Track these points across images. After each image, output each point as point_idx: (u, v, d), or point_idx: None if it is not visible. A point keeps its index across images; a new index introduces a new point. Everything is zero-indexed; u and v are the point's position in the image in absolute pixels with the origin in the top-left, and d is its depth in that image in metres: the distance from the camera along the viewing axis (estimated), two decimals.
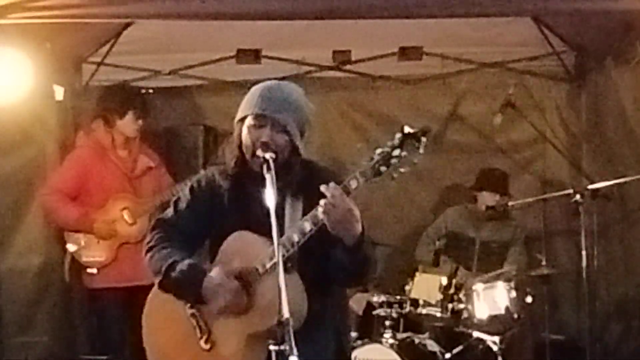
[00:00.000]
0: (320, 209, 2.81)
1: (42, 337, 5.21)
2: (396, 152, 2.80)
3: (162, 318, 3.17)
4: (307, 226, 2.86)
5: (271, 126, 2.97)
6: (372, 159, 2.82)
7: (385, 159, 2.81)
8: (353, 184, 2.82)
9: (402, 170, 2.81)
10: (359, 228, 2.84)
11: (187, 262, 3.03)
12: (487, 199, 5.79)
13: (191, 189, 3.18)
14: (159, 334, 3.17)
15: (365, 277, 3.38)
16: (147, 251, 3.15)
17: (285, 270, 2.67)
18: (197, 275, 2.99)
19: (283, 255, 2.73)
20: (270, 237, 2.74)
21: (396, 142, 2.81)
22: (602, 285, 5.77)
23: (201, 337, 3.04)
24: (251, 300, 2.95)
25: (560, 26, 5.78)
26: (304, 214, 2.93)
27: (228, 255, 3.04)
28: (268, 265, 2.89)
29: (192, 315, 3.06)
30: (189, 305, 3.07)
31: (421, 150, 2.82)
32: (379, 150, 2.83)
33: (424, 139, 2.82)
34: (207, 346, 3.02)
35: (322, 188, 2.79)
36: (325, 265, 2.95)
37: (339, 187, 2.80)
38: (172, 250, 3.09)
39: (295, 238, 2.86)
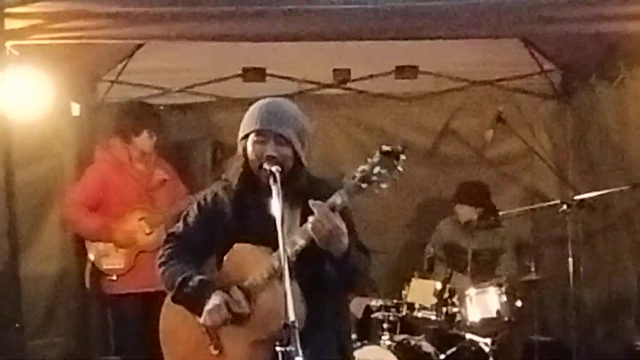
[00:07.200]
0: (309, 226, 2.89)
1: (59, 338, 5.29)
2: (376, 170, 2.84)
3: (177, 326, 3.31)
4: (298, 240, 2.94)
5: (274, 140, 3.06)
6: (354, 177, 2.87)
7: (366, 176, 2.85)
8: (338, 201, 2.88)
9: (383, 186, 2.85)
10: (346, 242, 2.91)
11: (197, 278, 3.14)
12: (464, 213, 5.87)
13: (199, 204, 3.29)
14: (174, 340, 3.32)
15: (353, 287, 3.50)
16: (159, 266, 3.29)
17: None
18: (205, 292, 3.12)
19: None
20: (267, 246, 2.96)
21: (376, 160, 2.85)
22: (588, 289, 5.86)
23: (211, 344, 3.18)
24: (254, 309, 3.07)
25: (548, 47, 5.90)
26: (302, 224, 3.00)
27: (232, 265, 3.17)
28: (266, 276, 3.01)
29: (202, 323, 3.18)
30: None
31: (400, 168, 2.85)
32: (360, 168, 2.87)
33: (402, 157, 2.85)
34: (216, 352, 3.17)
35: (310, 204, 2.87)
36: (321, 273, 3.03)
37: (325, 204, 2.87)
38: (183, 265, 3.21)
39: (288, 251, 2.86)
